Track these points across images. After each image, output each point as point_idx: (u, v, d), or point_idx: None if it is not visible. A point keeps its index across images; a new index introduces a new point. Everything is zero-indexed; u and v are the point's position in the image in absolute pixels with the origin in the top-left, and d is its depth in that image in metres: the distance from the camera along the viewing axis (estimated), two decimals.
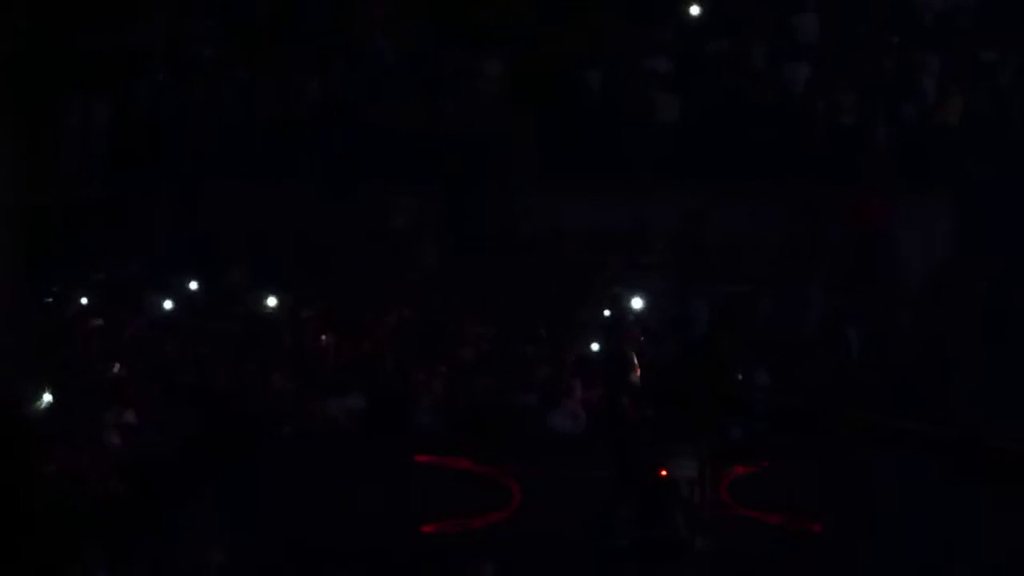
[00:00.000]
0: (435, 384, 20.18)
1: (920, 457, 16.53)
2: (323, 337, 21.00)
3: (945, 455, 16.50)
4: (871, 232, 22.94)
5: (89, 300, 22.11)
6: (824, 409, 15.18)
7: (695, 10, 25.02)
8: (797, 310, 22.43)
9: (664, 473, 15.07)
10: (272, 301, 22.08)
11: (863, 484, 16.05)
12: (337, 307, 21.91)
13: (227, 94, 25.06)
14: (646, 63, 24.48)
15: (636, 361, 15.70)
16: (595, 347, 20.50)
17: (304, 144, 24.71)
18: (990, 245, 22.55)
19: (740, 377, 18.90)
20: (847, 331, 21.50)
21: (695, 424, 14.61)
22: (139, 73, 25.33)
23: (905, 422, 16.81)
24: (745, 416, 15.71)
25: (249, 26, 25.96)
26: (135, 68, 25.51)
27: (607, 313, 21.54)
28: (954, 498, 15.98)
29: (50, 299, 22.06)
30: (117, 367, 20.07)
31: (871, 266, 22.88)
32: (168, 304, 22.14)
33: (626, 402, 15.63)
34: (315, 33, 25.70)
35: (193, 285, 22.68)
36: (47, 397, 19.07)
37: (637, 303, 21.63)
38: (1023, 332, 21.05)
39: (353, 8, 25.84)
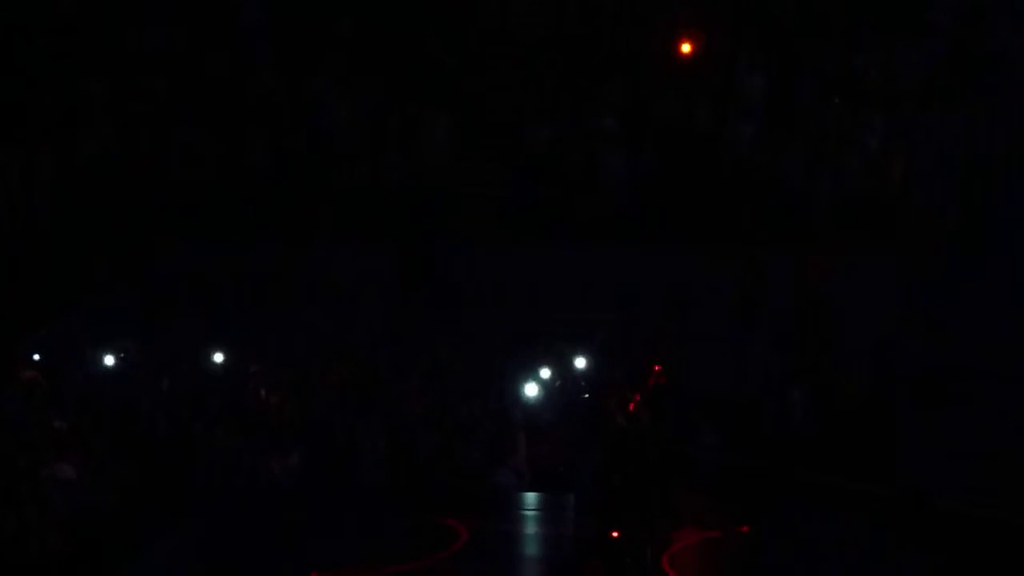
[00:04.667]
0: (379, 441, 20.11)
1: (863, 516, 16.62)
2: (262, 393, 20.86)
3: (888, 514, 16.60)
4: (815, 291, 23.07)
5: (29, 354, 21.90)
6: (770, 469, 15.27)
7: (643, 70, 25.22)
8: (741, 368, 22.49)
9: (616, 535, 15.00)
10: (219, 357, 21.96)
11: (808, 543, 16.04)
12: (283, 363, 21.81)
13: (175, 148, 25.00)
14: (593, 122, 24.62)
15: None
16: (531, 394, 20.43)
17: (252, 199, 24.67)
18: (932, 305, 22.71)
19: (685, 435, 18.91)
20: (791, 390, 21.54)
21: (641, 482, 14.59)
22: (84, 125, 25.23)
23: (849, 481, 16.90)
24: (690, 475, 15.72)
25: (198, 82, 25.94)
26: (80, 120, 25.40)
27: (546, 371, 21.42)
28: (897, 557, 16.01)
29: None
30: (58, 423, 19.86)
31: (815, 325, 22.99)
32: (109, 360, 21.97)
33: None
34: (265, 88, 25.69)
35: (130, 342, 22.50)
36: None
37: (580, 361, 21.60)
38: (964, 392, 21.18)
39: (305, 63, 25.86)
